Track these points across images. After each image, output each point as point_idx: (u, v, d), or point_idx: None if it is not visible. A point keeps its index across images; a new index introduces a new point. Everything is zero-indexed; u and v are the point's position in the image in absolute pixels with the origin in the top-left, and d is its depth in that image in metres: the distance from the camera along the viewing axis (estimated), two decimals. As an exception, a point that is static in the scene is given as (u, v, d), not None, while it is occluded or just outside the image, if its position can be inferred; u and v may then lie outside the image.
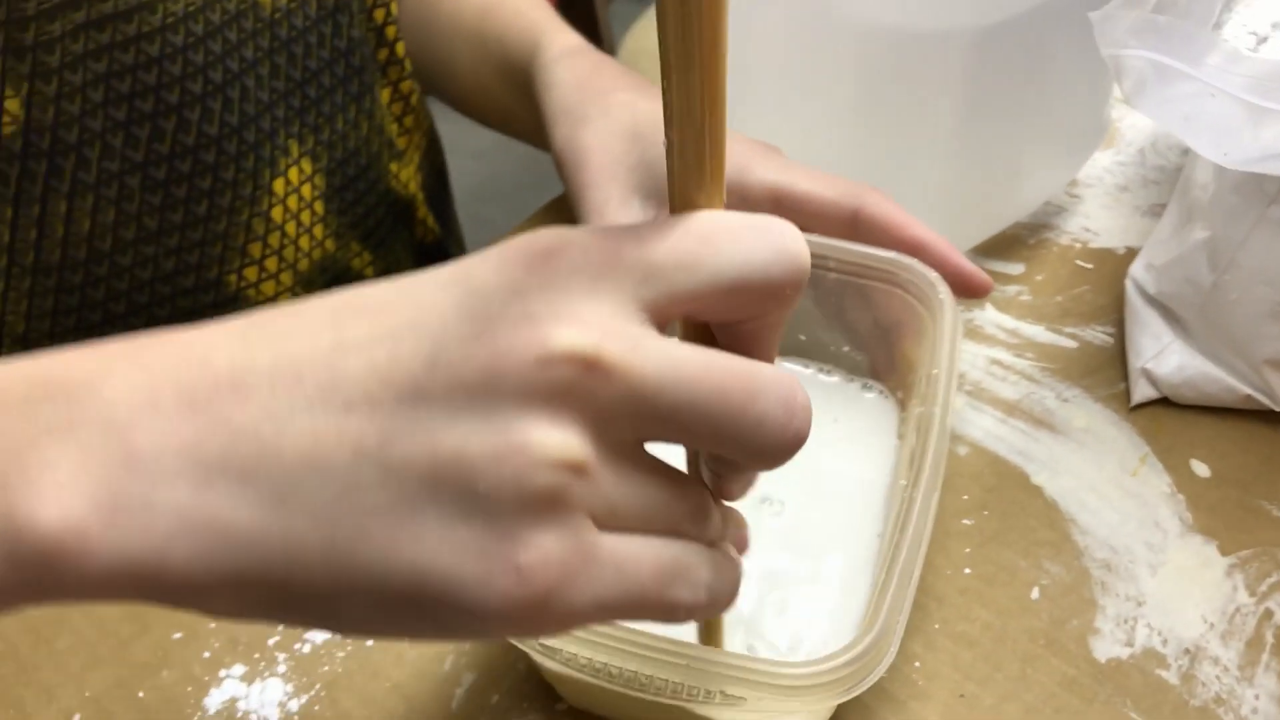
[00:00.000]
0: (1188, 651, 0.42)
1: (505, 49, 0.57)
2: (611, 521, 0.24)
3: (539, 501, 0.22)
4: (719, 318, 0.26)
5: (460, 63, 0.61)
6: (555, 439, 0.22)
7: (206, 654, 0.43)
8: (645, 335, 0.23)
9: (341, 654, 0.43)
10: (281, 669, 0.43)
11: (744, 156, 0.45)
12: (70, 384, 0.23)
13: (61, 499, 0.22)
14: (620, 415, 0.23)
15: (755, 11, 0.51)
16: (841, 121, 0.52)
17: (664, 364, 0.23)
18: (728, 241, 0.23)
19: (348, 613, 0.23)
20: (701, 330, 0.27)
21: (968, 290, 0.42)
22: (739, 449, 0.24)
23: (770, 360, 0.26)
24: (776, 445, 0.24)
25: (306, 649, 0.43)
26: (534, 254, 0.23)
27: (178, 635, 0.44)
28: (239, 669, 0.43)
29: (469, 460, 0.22)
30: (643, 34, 1.00)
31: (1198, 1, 0.44)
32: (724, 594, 0.26)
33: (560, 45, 0.53)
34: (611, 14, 1.28)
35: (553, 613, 0.23)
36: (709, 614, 0.27)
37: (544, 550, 0.22)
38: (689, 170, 0.24)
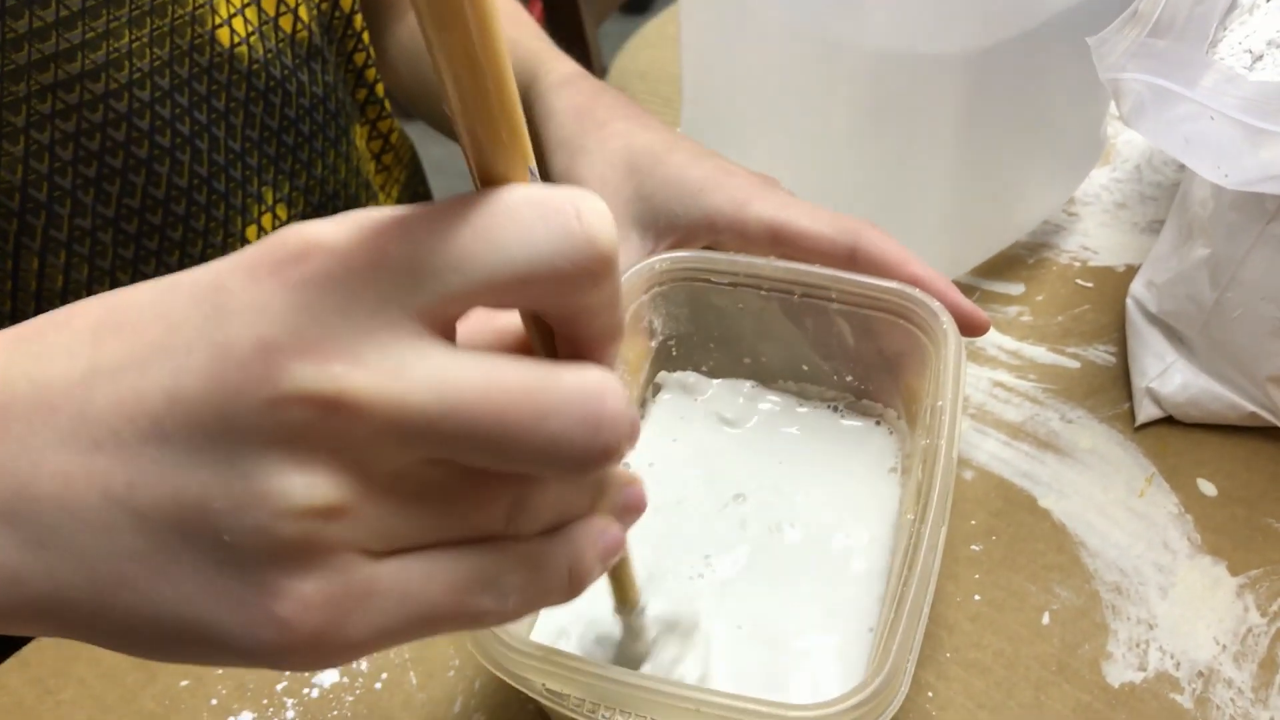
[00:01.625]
0: (1201, 674, 0.42)
1: None
2: (391, 546, 0.22)
3: (289, 551, 0.21)
4: (517, 307, 0.24)
5: None
6: (298, 487, 0.20)
7: (214, 701, 0.43)
8: (411, 353, 0.20)
9: (350, 698, 0.43)
10: (290, 715, 0.42)
11: (743, 191, 0.45)
12: None
13: None
14: (383, 447, 0.21)
15: (754, 38, 0.51)
16: (841, 145, 0.52)
17: (430, 391, 0.20)
18: (507, 232, 0.21)
19: (132, 646, 0.23)
20: (539, 321, 0.24)
21: (965, 328, 0.42)
22: (537, 469, 0.22)
23: (605, 346, 0.24)
24: (579, 463, 0.21)
25: (315, 694, 0.43)
26: (284, 260, 0.21)
27: (185, 683, 0.44)
28: (248, 715, 0.42)
29: (211, 509, 0.21)
30: (634, 53, 1.00)
31: (1193, 23, 0.44)
32: (550, 590, 0.24)
33: (557, 74, 0.53)
34: (601, 34, 1.28)
35: (330, 649, 0.22)
36: (529, 612, 0.25)
37: (302, 599, 0.21)
38: (479, 139, 0.21)
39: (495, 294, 0.21)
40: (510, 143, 0.22)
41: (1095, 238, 0.59)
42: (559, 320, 0.23)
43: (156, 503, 0.21)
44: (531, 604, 0.24)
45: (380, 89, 0.62)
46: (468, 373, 0.21)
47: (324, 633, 0.21)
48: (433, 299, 0.21)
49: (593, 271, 0.21)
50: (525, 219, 0.21)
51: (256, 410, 0.20)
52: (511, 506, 0.23)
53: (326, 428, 0.20)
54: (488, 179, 0.22)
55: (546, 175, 0.51)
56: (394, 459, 0.21)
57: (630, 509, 0.26)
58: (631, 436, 0.22)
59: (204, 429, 0.20)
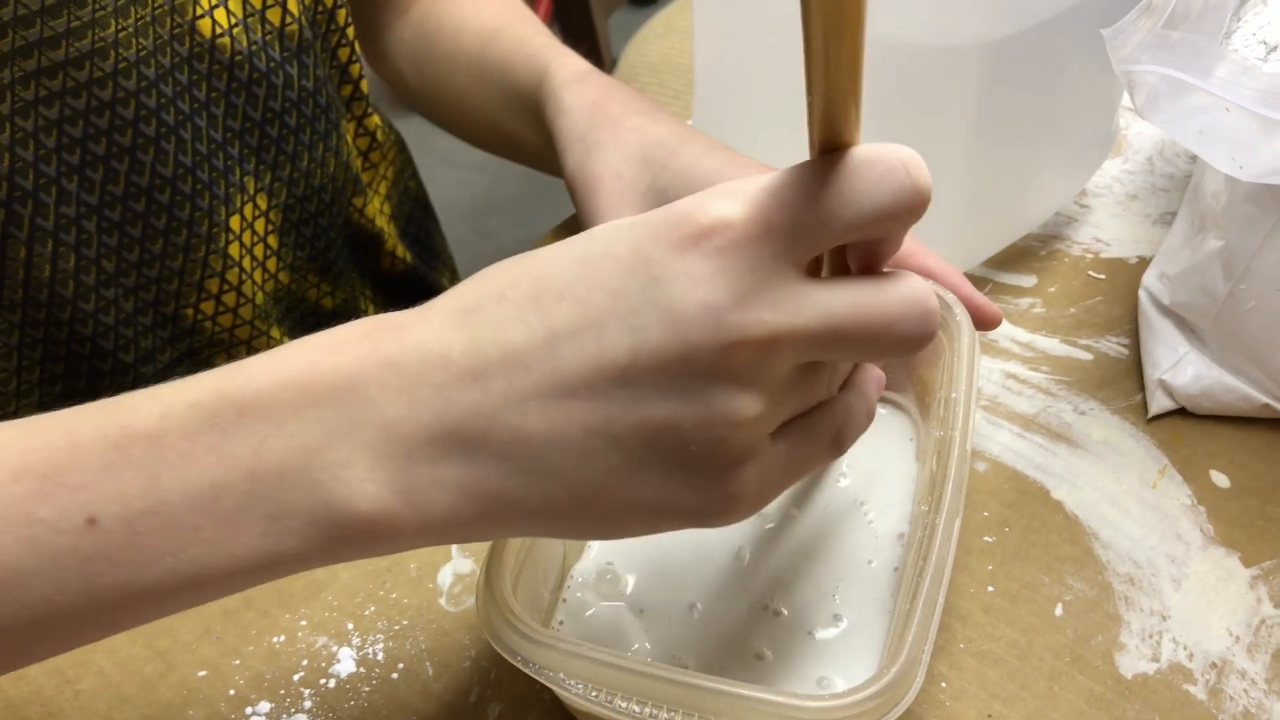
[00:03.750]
0: (1214, 665, 0.42)
1: (510, 77, 0.56)
2: (781, 425, 0.30)
3: (738, 450, 0.28)
4: (856, 240, 0.30)
5: (464, 92, 0.61)
6: (746, 405, 0.27)
7: (232, 691, 0.43)
8: (802, 293, 0.27)
9: (367, 689, 0.43)
10: (308, 704, 0.43)
11: None
12: (336, 389, 0.28)
13: (368, 492, 0.28)
14: (787, 361, 0.28)
15: (766, 30, 0.51)
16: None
17: (820, 318, 0.27)
18: (857, 191, 0.27)
19: (598, 532, 0.30)
20: (838, 249, 0.32)
21: (978, 322, 0.42)
22: (884, 357, 0.30)
23: (892, 254, 0.30)
24: (915, 348, 0.29)
25: (332, 684, 0.43)
26: (697, 234, 0.27)
27: (202, 673, 0.44)
28: (265, 706, 0.43)
29: (679, 429, 0.27)
30: (642, 46, 1.00)
31: (1208, 14, 0.44)
32: (862, 421, 0.34)
33: (568, 70, 0.53)
34: (611, 26, 1.28)
35: (754, 508, 0.30)
36: (857, 436, 0.34)
37: (745, 480, 0.29)
38: (835, 107, 0.27)
39: (848, 237, 0.28)
40: (857, 108, 0.27)
41: (1107, 229, 0.59)
42: (872, 243, 0.30)
43: (630, 429, 0.28)
44: (855, 436, 0.33)
45: (365, 85, 0.62)
46: (840, 300, 0.28)
47: (755, 498, 0.30)
48: (808, 250, 0.27)
49: (917, 211, 0.28)
50: (869, 178, 0.27)
51: (712, 355, 0.27)
52: (830, 377, 0.32)
53: (759, 360, 0.27)
54: (832, 143, 0.27)
55: (561, 171, 0.51)
56: (786, 368, 0.28)
57: (880, 383, 0.36)
58: (938, 323, 0.29)
59: (667, 372, 0.27)
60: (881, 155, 0.27)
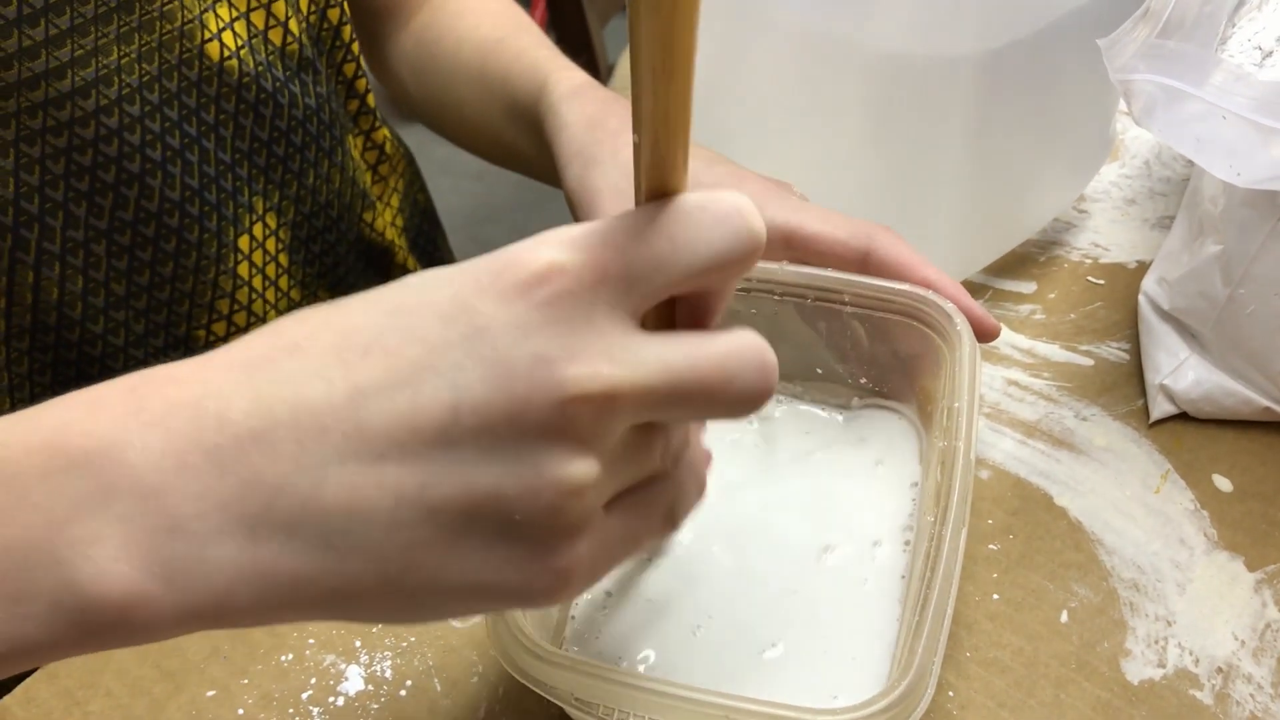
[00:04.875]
0: (1220, 670, 0.42)
1: (510, 89, 0.57)
2: (615, 495, 0.27)
3: (571, 520, 0.25)
4: (688, 291, 0.28)
5: (464, 103, 0.61)
6: (580, 469, 0.25)
7: (241, 711, 0.43)
8: (638, 345, 0.25)
9: (376, 706, 0.43)
10: (316, 723, 0.43)
11: (757, 196, 0.45)
12: (89, 452, 0.24)
13: (118, 571, 0.24)
14: (625, 420, 0.26)
15: (765, 41, 0.52)
16: (851, 147, 0.52)
17: (659, 373, 0.25)
18: (691, 237, 0.26)
19: (407, 615, 0.27)
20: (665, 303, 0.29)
21: (977, 334, 0.42)
22: (721, 417, 0.28)
23: (720, 310, 0.29)
24: (754, 406, 0.27)
25: (340, 702, 0.43)
26: (528, 283, 0.25)
27: (211, 693, 0.44)
28: (274, 725, 0.43)
29: (504, 496, 0.24)
30: (639, 55, 1.01)
31: (1203, 21, 0.44)
32: (693, 497, 0.31)
33: (567, 84, 0.53)
34: (606, 34, 1.29)
35: (585, 585, 0.27)
36: (690, 512, 0.31)
37: (577, 555, 0.26)
38: (663, 152, 0.25)
39: (683, 286, 0.26)
40: (685, 156, 0.26)
41: (1106, 235, 0.59)
42: (700, 294, 0.28)
43: (448, 497, 0.24)
44: (686, 514, 0.31)
45: (371, 99, 0.62)
46: (677, 352, 0.26)
47: (585, 577, 0.27)
48: (644, 298, 0.26)
49: (753, 258, 0.26)
50: (703, 223, 0.26)
51: (544, 412, 0.24)
52: (663, 448, 0.29)
53: (597, 418, 0.25)
54: (660, 188, 0.26)
55: (560, 186, 0.52)
56: (621, 429, 0.26)
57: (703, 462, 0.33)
58: (776, 382, 0.27)
59: (493, 431, 0.24)
60: (714, 200, 0.26)
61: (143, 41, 0.46)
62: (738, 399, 0.26)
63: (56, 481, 0.24)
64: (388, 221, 0.65)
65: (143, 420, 0.24)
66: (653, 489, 0.29)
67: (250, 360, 0.25)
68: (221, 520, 0.24)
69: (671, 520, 0.30)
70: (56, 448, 0.24)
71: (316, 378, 0.25)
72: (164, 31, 0.47)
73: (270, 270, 0.56)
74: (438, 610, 0.27)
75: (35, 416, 0.25)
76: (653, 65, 0.24)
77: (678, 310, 0.29)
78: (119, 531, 0.24)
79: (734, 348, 0.26)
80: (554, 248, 0.25)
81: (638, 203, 0.27)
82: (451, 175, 1.94)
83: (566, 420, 0.24)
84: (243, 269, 0.54)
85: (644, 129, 0.25)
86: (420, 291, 0.26)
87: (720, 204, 0.26)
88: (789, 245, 0.44)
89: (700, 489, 0.32)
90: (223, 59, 0.50)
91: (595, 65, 1.22)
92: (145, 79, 0.47)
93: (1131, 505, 0.47)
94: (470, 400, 0.24)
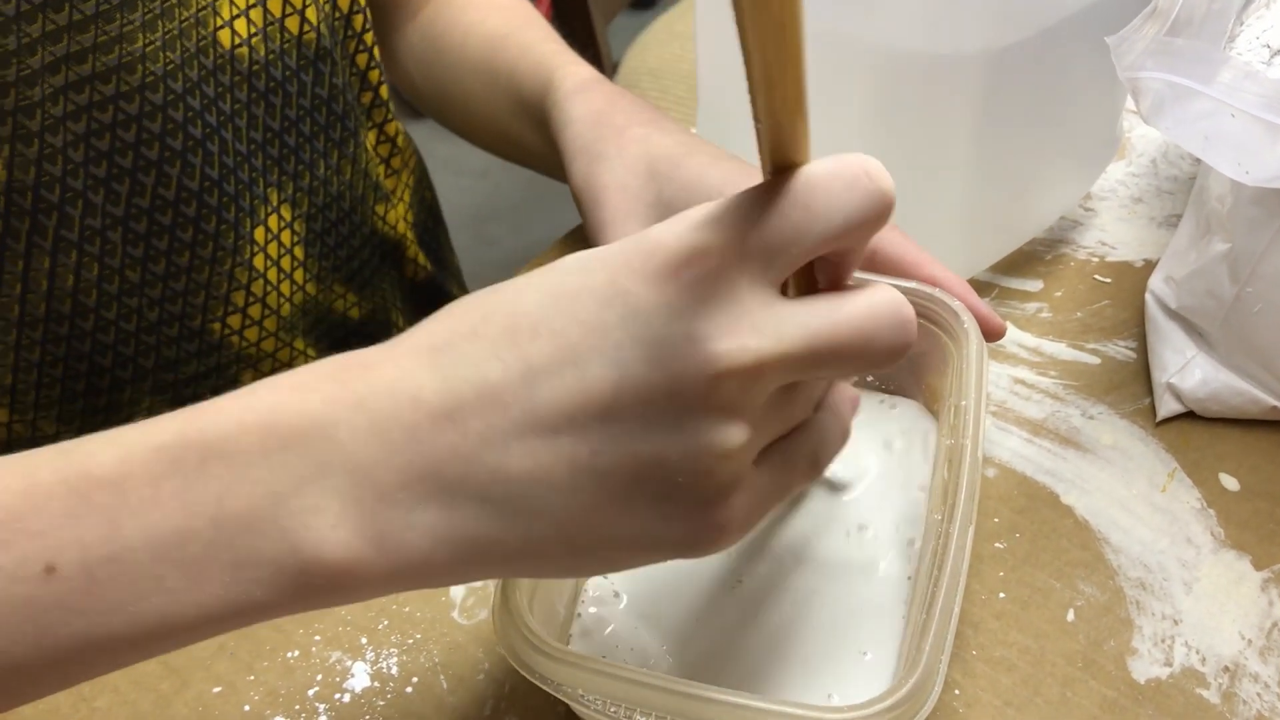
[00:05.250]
0: (1227, 669, 0.42)
1: (517, 84, 0.57)
2: (766, 447, 0.30)
3: (727, 481, 0.28)
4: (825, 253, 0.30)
5: (471, 98, 0.61)
6: (733, 435, 0.27)
7: (247, 707, 0.43)
8: (781, 315, 0.27)
9: (382, 703, 0.43)
10: (323, 719, 0.43)
11: None
12: (301, 433, 0.27)
13: (338, 538, 0.27)
14: (772, 385, 0.28)
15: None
16: (857, 144, 0.51)
17: (803, 339, 0.27)
18: (825, 204, 0.27)
19: (584, 569, 0.31)
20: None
21: (983, 333, 0.42)
22: (860, 372, 0.31)
23: (857, 263, 0.30)
24: (894, 360, 0.28)
25: (346, 699, 0.43)
26: (676, 266, 0.26)
27: (217, 689, 0.44)
28: (280, 721, 0.43)
29: (667, 462, 0.27)
30: (643, 52, 1.00)
31: (1211, 20, 0.44)
32: (837, 442, 0.33)
33: (574, 79, 0.53)
34: (610, 31, 1.28)
35: (742, 533, 0.30)
36: (833, 457, 0.33)
37: (733, 509, 0.29)
38: (783, 127, 0.27)
39: (820, 251, 0.28)
40: (805, 128, 0.27)
41: (1112, 233, 0.59)
42: (838, 254, 0.29)
43: (616, 463, 0.27)
44: (831, 457, 0.33)
45: (385, 91, 0.61)
46: (819, 318, 0.27)
47: (741, 528, 0.29)
48: (784, 269, 0.27)
49: (886, 217, 0.27)
50: (834, 190, 0.27)
51: (698, 387, 0.26)
52: (806, 398, 0.31)
53: (747, 388, 0.27)
54: (784, 160, 0.27)
55: (566, 181, 0.51)
56: (768, 393, 0.28)
57: (852, 402, 0.35)
58: (915, 332, 0.29)
59: (653, 405, 0.27)
60: (844, 165, 0.27)
61: (166, 29, 0.46)
62: (878, 355, 0.28)
63: (276, 459, 0.27)
64: (399, 215, 0.65)
65: (347, 401, 0.27)
66: (797, 439, 0.31)
67: (435, 345, 0.28)
68: (423, 491, 0.27)
69: (816, 466, 0.32)
70: (270, 427, 0.27)
71: (494, 359, 0.27)
72: (182, 19, 0.47)
73: (285, 263, 0.56)
74: (610, 563, 0.30)
75: (247, 397, 0.28)
76: (765, 61, 0.25)
77: (816, 267, 0.31)
78: (335, 503, 0.27)
79: (872, 308, 0.28)
80: (698, 230, 0.27)
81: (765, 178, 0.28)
82: (454, 173, 1.94)
83: (718, 392, 0.26)
84: (258, 261, 0.54)
85: (763, 111, 0.26)
86: (579, 276, 0.28)
87: (848, 168, 0.27)
88: None
89: (844, 433, 0.34)
90: (234, 46, 0.50)
91: (599, 63, 1.22)
92: (169, 67, 0.47)
93: (1138, 504, 0.47)
94: (631, 378, 0.26)
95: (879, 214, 0.27)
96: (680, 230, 0.27)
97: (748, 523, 0.30)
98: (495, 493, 0.27)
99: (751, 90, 0.26)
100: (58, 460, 0.27)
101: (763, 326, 0.27)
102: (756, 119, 0.27)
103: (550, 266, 0.29)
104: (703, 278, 0.26)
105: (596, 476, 0.27)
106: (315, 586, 0.27)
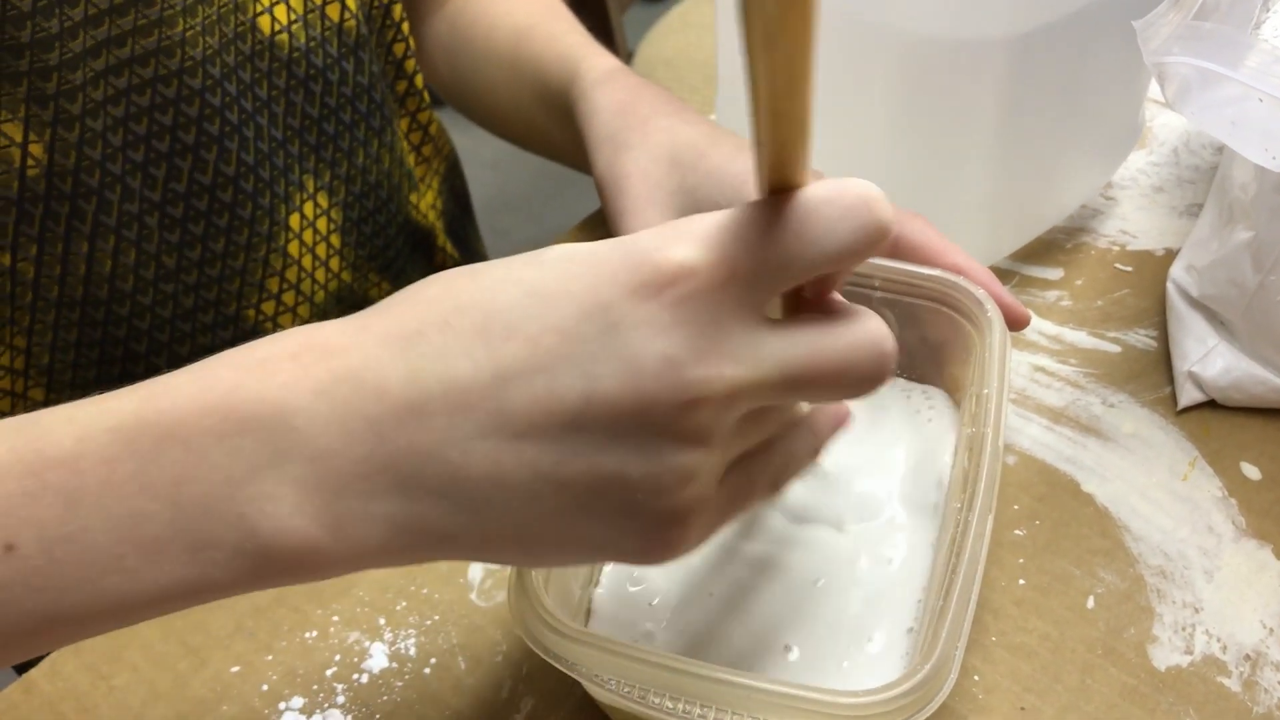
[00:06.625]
0: (1248, 658, 0.42)
1: (542, 75, 0.57)
2: (727, 469, 0.29)
3: (685, 504, 0.28)
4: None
5: (496, 88, 0.61)
6: (697, 461, 0.27)
7: (265, 687, 0.44)
8: (762, 341, 0.26)
9: (400, 683, 0.43)
10: (340, 700, 0.43)
11: None
12: (259, 419, 0.26)
13: (294, 525, 0.26)
14: (743, 410, 0.27)
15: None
16: (879, 130, 0.52)
17: (779, 367, 0.27)
18: (820, 231, 0.26)
19: (536, 562, 0.32)
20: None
21: (1007, 322, 0.42)
22: (835, 399, 0.31)
23: (839, 287, 0.30)
24: (867, 391, 0.28)
25: (364, 679, 0.43)
26: (660, 283, 0.26)
27: (236, 669, 0.44)
28: (298, 701, 0.43)
29: (628, 480, 0.27)
30: (658, 41, 1.00)
31: (1238, 5, 0.43)
32: (804, 459, 0.33)
33: (599, 70, 0.53)
34: (626, 21, 1.28)
35: (695, 548, 0.29)
36: (794, 477, 0.33)
37: (688, 528, 0.28)
38: (783, 150, 0.26)
39: (810, 277, 0.27)
40: (806, 150, 0.26)
41: (1133, 222, 0.59)
42: (825, 279, 0.29)
43: (579, 474, 0.27)
44: (792, 478, 0.33)
45: (419, 80, 0.62)
46: (798, 346, 0.27)
47: (694, 543, 0.29)
48: (770, 293, 0.27)
49: (880, 244, 0.27)
50: (829, 216, 0.26)
51: (669, 411, 0.26)
52: (779, 417, 0.31)
53: (717, 415, 0.26)
54: (782, 183, 0.26)
55: (590, 171, 0.51)
56: (738, 417, 0.28)
57: (840, 417, 0.35)
58: (894, 365, 0.28)
59: (620, 423, 0.26)
60: (841, 191, 0.26)
61: (204, 14, 0.46)
62: (853, 387, 0.28)
63: (232, 444, 0.26)
64: (429, 204, 0.65)
65: (309, 387, 0.27)
66: (760, 458, 0.31)
67: (405, 334, 0.27)
68: (382, 482, 0.27)
69: (776, 486, 0.32)
70: (229, 410, 0.27)
71: (464, 357, 0.26)
72: (221, 4, 0.47)
73: (321, 250, 0.56)
74: (562, 559, 0.30)
75: (206, 376, 0.27)
76: (773, 89, 0.24)
77: (804, 287, 0.30)
78: (293, 491, 0.26)
79: (854, 341, 0.27)
80: (686, 245, 0.26)
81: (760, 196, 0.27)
82: (468, 164, 1.94)
83: (688, 418, 0.26)
84: (293, 248, 0.54)
85: (763, 127, 0.25)
86: (560, 279, 0.27)
87: (847, 195, 0.26)
88: None
89: (814, 452, 0.33)
90: (274, 32, 0.50)
91: (614, 53, 1.22)
92: (208, 52, 0.47)
93: (1159, 492, 0.47)
94: (602, 392, 0.26)
95: (874, 243, 0.26)
96: (669, 245, 0.26)
97: (702, 538, 0.30)
98: (455, 490, 0.27)
99: (754, 114, 0.25)
100: (15, 439, 0.27)
101: (741, 354, 0.26)
102: (757, 141, 0.26)
103: (533, 257, 0.28)
104: (686, 297, 0.26)
105: (557, 485, 0.27)
106: (274, 569, 0.27)
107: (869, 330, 0.27)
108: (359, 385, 0.27)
